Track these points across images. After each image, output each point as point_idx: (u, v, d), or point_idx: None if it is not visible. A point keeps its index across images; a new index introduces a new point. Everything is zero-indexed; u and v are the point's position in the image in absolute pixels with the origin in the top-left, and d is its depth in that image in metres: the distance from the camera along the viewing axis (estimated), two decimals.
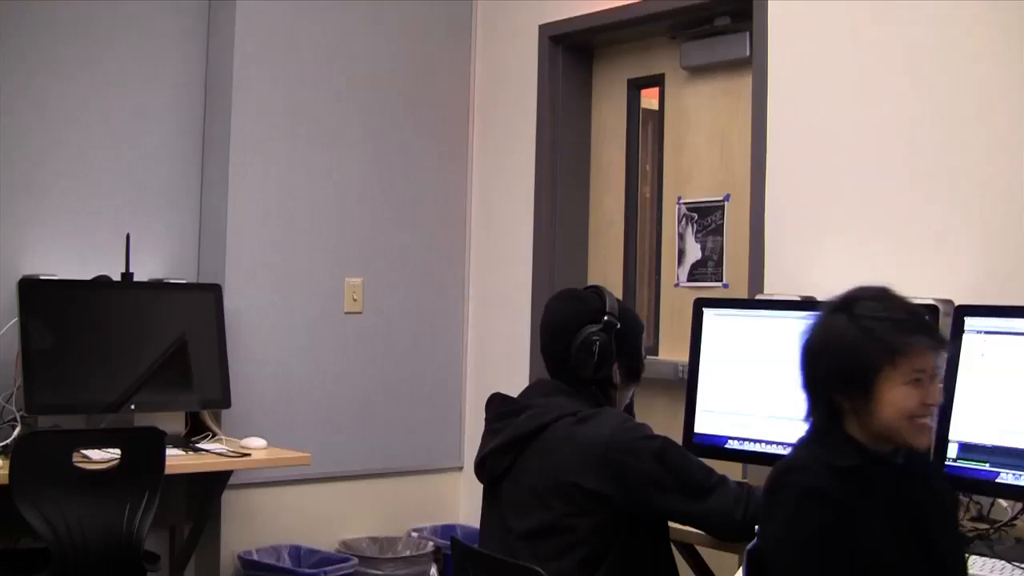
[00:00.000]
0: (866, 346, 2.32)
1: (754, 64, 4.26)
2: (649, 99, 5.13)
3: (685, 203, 4.80)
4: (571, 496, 2.75)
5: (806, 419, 2.46)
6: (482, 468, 2.99)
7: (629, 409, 3.11)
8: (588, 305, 2.96)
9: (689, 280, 4.82)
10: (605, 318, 2.92)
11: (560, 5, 5.04)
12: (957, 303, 3.17)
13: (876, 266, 3.78)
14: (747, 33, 4.42)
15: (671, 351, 4.78)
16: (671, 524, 2.91)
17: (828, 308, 2.43)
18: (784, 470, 2.39)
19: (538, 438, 2.84)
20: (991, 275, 3.50)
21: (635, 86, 5.09)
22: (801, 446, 2.45)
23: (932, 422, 2.38)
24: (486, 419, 3.03)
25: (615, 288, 5.08)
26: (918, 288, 3.44)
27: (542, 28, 5.13)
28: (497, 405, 3.02)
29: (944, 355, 2.40)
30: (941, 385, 2.40)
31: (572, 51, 5.16)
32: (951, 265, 3.59)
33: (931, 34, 3.74)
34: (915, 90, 3.77)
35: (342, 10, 5.08)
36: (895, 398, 2.31)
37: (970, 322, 3.04)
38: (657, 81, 5.00)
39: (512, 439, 2.88)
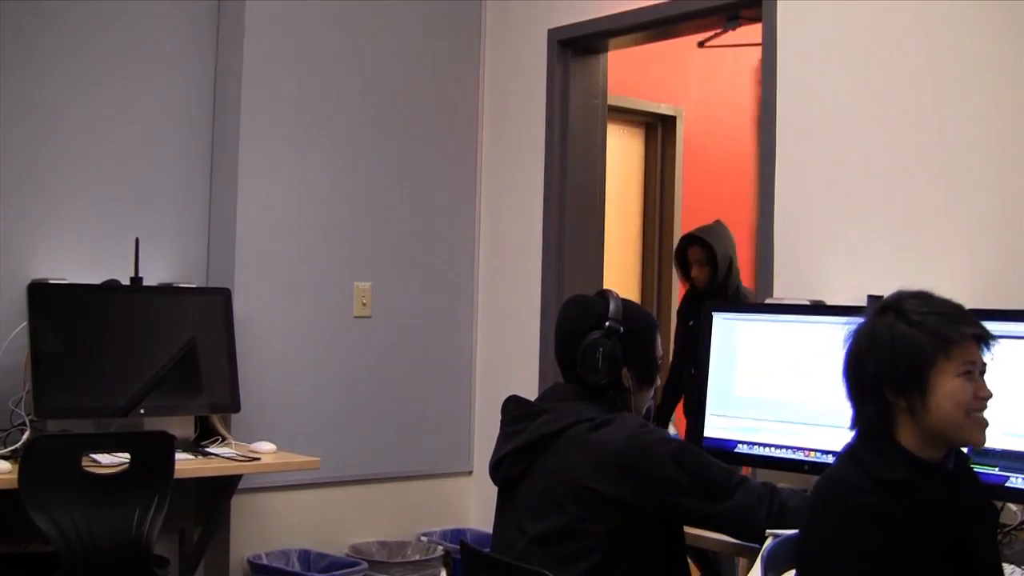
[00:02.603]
0: (918, 338, 2.30)
1: (763, 70, 4.25)
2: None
3: None
4: (586, 501, 2.74)
5: (852, 427, 2.42)
6: (497, 471, 2.97)
7: (649, 414, 3.09)
8: (591, 311, 2.95)
9: None
10: (607, 324, 2.91)
11: (569, 9, 5.04)
12: (966, 307, 3.16)
13: (884, 270, 3.77)
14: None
15: None
16: (685, 529, 2.90)
17: (871, 312, 2.41)
18: (832, 484, 2.34)
19: (554, 442, 2.83)
20: (1000, 278, 3.49)
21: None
22: (847, 456, 2.40)
23: (986, 417, 2.35)
24: (502, 422, 3.02)
25: (630, 291, 5.10)
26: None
27: (551, 32, 5.13)
28: (513, 408, 3.01)
29: (989, 352, 2.37)
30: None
31: (581, 55, 5.16)
32: (958, 269, 3.58)
33: (940, 38, 3.73)
34: (923, 94, 3.76)
35: (351, 14, 5.08)
36: (951, 390, 2.29)
37: None
38: None
39: (528, 443, 2.87)
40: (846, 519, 2.26)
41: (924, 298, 2.39)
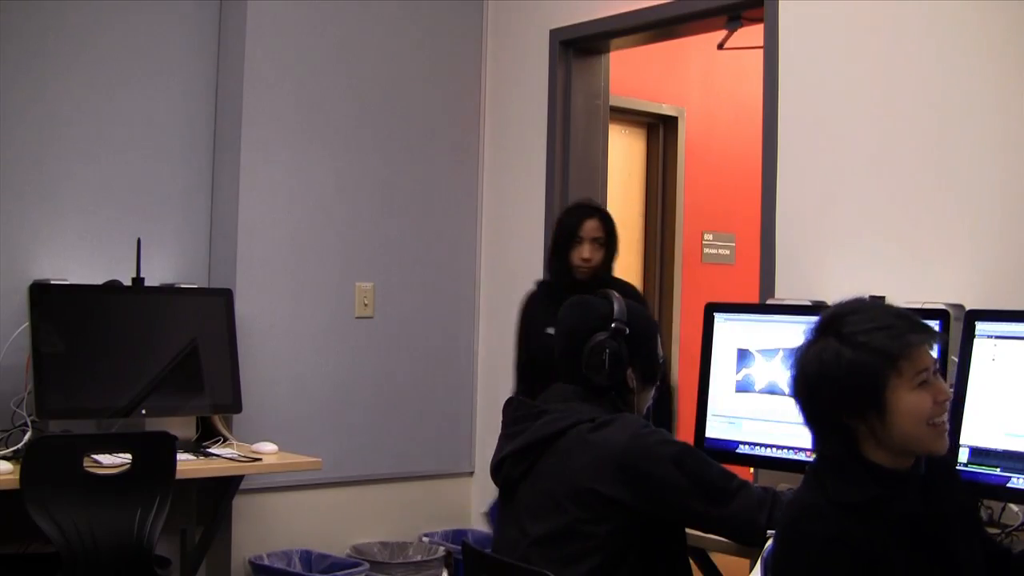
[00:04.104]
0: (866, 362, 2.26)
1: (765, 71, 4.25)
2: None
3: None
4: (587, 502, 2.73)
5: (814, 449, 2.41)
6: (498, 472, 2.97)
7: (649, 414, 3.09)
8: (596, 312, 2.95)
9: None
10: (613, 325, 2.91)
11: (571, 9, 5.04)
12: (968, 307, 3.16)
13: (886, 270, 3.77)
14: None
15: None
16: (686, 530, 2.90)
17: (812, 334, 2.36)
18: (800, 516, 2.32)
19: (555, 443, 2.83)
20: (1002, 279, 3.49)
21: None
22: (812, 479, 2.38)
23: (947, 421, 2.32)
24: (503, 423, 3.02)
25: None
26: (929, 292, 3.44)
27: (553, 32, 5.13)
28: (514, 409, 3.01)
29: (936, 346, 2.33)
30: (942, 380, 2.33)
31: (583, 55, 5.16)
32: (962, 269, 3.58)
33: (940, 40, 3.73)
34: (925, 95, 3.76)
35: (353, 14, 5.09)
36: (908, 406, 2.25)
37: (981, 327, 3.03)
38: None
39: (529, 444, 2.87)
40: (814, 552, 2.24)
41: (863, 311, 2.34)
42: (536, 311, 4.41)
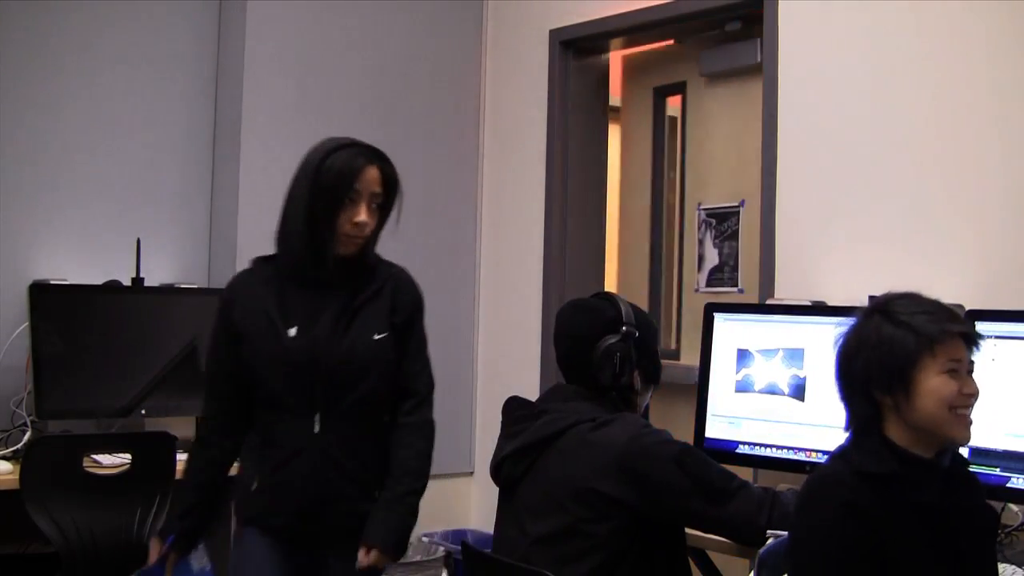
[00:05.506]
0: (904, 337, 2.33)
1: (765, 70, 4.25)
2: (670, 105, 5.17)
3: (704, 209, 4.81)
4: (588, 501, 2.74)
5: (846, 428, 2.45)
6: (498, 472, 2.98)
7: (647, 413, 3.10)
8: (604, 316, 2.94)
9: (707, 285, 4.82)
10: (623, 328, 2.91)
11: (570, 10, 5.03)
12: (968, 307, 3.16)
13: (886, 270, 3.77)
14: (758, 39, 4.42)
15: (692, 357, 4.76)
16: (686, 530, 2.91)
17: (862, 313, 2.44)
18: (819, 482, 2.38)
19: (555, 443, 2.84)
20: (1002, 279, 3.49)
21: (661, 95, 5.12)
22: (837, 453, 2.44)
23: (971, 416, 2.37)
24: (503, 423, 3.03)
25: (634, 294, 5.07)
26: (929, 293, 3.44)
27: (552, 33, 5.13)
28: (514, 409, 3.02)
29: (977, 352, 2.39)
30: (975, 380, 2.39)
31: (583, 55, 5.16)
32: (962, 269, 3.58)
33: (941, 39, 3.72)
34: (925, 95, 3.76)
35: (352, 14, 5.08)
36: (934, 387, 2.31)
37: (981, 326, 2.99)
38: (679, 89, 5.02)
39: (529, 443, 2.88)
40: (828, 515, 2.30)
41: (912, 298, 2.42)
42: (268, 303, 3.09)
